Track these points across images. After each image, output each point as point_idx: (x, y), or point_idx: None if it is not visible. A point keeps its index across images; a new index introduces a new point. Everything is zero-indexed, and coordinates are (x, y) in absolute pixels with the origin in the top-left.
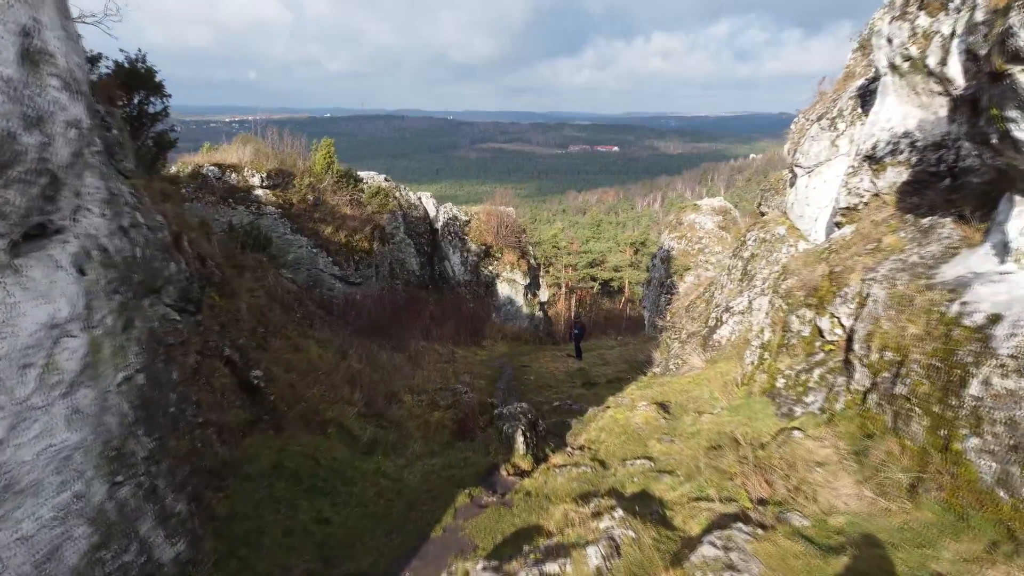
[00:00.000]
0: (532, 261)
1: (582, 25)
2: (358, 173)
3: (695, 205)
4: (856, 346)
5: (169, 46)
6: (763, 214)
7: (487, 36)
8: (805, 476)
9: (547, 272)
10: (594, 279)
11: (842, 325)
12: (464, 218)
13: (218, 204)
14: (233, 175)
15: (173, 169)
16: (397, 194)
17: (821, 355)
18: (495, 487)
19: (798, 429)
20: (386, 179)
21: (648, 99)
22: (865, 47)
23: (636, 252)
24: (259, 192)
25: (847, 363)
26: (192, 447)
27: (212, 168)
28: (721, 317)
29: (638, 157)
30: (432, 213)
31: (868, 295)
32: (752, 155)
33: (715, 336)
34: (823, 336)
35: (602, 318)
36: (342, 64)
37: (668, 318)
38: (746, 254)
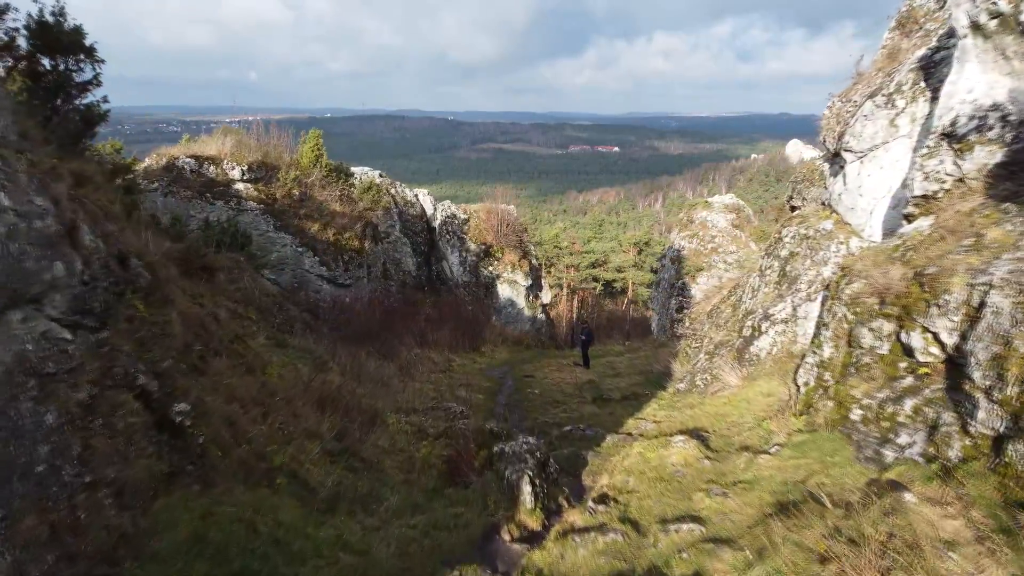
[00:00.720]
0: (534, 261)
1: (584, 25)
2: (350, 168)
3: (706, 202)
4: (974, 373)
5: (170, 47)
6: (794, 208)
7: (488, 36)
8: (936, 566)
9: (548, 273)
10: (596, 280)
11: (940, 343)
12: (463, 216)
13: (194, 199)
14: (211, 168)
15: (148, 161)
16: (392, 191)
17: (910, 380)
18: (495, 561)
19: (900, 485)
20: (380, 175)
21: (649, 99)
22: (904, 24)
23: (640, 252)
24: (239, 186)
25: (956, 393)
26: (69, 520)
27: (188, 160)
28: (759, 326)
29: (639, 157)
30: (429, 211)
31: (984, 305)
32: (753, 155)
33: (752, 348)
34: (912, 356)
35: (604, 320)
36: (343, 64)
37: (687, 324)
38: (783, 253)
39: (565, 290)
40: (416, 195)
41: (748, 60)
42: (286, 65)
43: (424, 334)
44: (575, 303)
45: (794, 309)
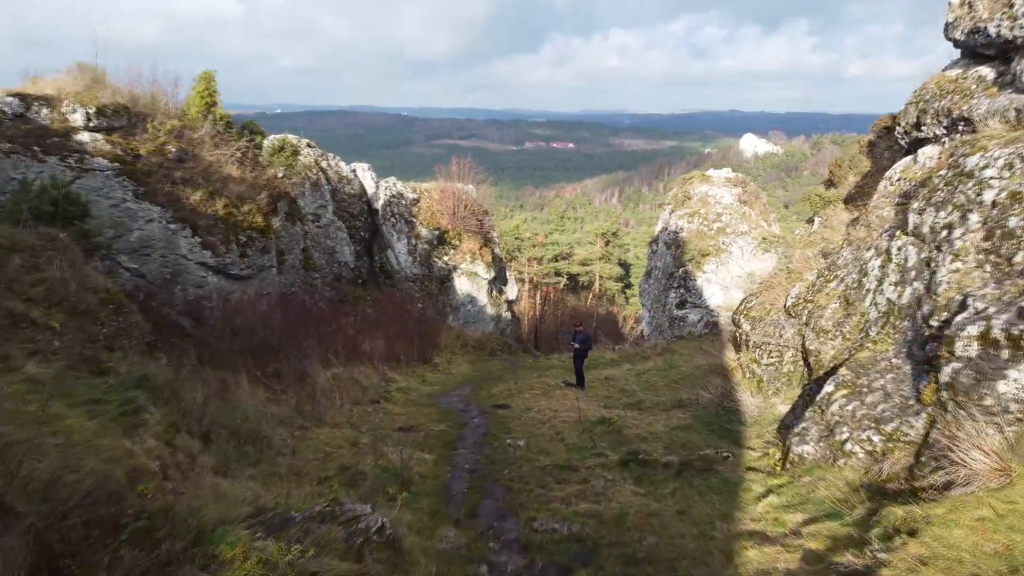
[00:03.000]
0: (497, 250)
1: (543, 20)
2: (260, 127)
3: (704, 175)
4: None
5: (117, 40)
6: (916, 143)
7: (446, 31)
8: None
9: (510, 265)
10: (559, 274)
11: None
12: (412, 196)
13: (14, 153)
14: (44, 110)
15: None
16: (324, 164)
17: None
18: None
19: None
20: (309, 144)
21: (603, 97)
22: None
23: (607, 244)
24: (84, 137)
25: None
26: None
27: (9, 100)
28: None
29: (594, 154)
30: (371, 189)
31: None
32: (708, 150)
33: (1002, 388)
34: None
35: (569, 317)
36: (296, 59)
37: (751, 329)
38: (986, 197)
39: (528, 285)
40: (354, 170)
41: (702, 57)
42: (237, 60)
43: (354, 343)
44: (538, 299)
45: None
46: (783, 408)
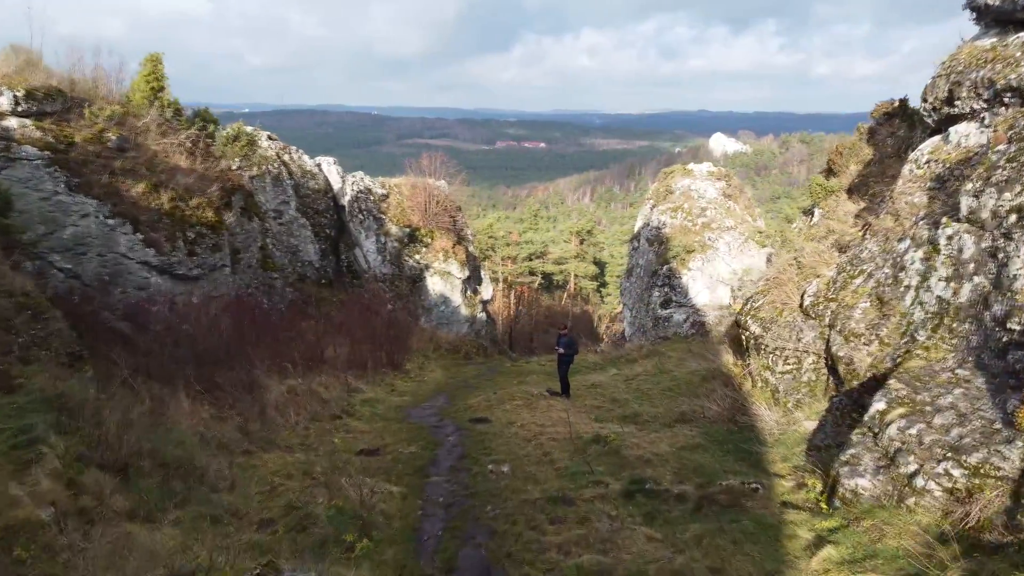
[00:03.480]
0: (471, 248)
1: (515, 20)
2: (212, 114)
3: (686, 169)
4: None
5: (79, 38)
6: (945, 120)
7: (417, 30)
8: None
9: (484, 266)
10: (533, 273)
11: None
12: (381, 191)
13: None
14: None
15: None
16: (287, 158)
17: None
18: None
19: None
20: (271, 137)
21: (574, 97)
22: None
23: (582, 242)
24: (10, 123)
25: None
26: None
27: None
28: None
29: (566, 153)
30: (336, 184)
31: None
32: (678, 149)
33: None
34: None
35: (543, 316)
36: (264, 58)
37: (762, 332)
38: None
39: (502, 284)
40: (319, 164)
41: (671, 57)
42: (204, 59)
43: (316, 350)
44: (512, 298)
45: None
46: (809, 425)
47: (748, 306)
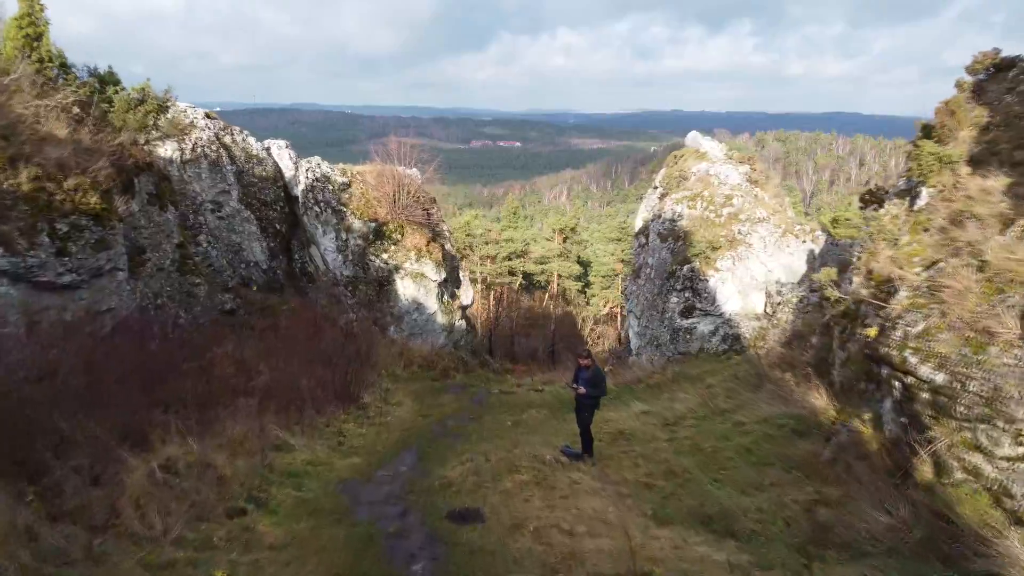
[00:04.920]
0: (448, 246)
1: (491, 19)
2: (116, 75)
3: (700, 152)
4: None
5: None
6: None
7: (392, 28)
8: None
9: (462, 266)
10: (513, 273)
11: None
12: (341, 180)
13: None
14: None
15: None
16: (228, 140)
17: None
18: None
19: None
20: (209, 115)
21: (549, 96)
22: None
23: (565, 240)
24: None
25: None
26: None
27: None
28: None
29: (540, 152)
30: (288, 172)
31: None
32: (653, 148)
33: None
34: None
35: (524, 319)
36: (236, 56)
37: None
38: None
39: (481, 285)
40: (267, 148)
41: (646, 57)
42: (174, 57)
43: (234, 385)
44: (492, 300)
45: None
46: None
47: (901, 333)
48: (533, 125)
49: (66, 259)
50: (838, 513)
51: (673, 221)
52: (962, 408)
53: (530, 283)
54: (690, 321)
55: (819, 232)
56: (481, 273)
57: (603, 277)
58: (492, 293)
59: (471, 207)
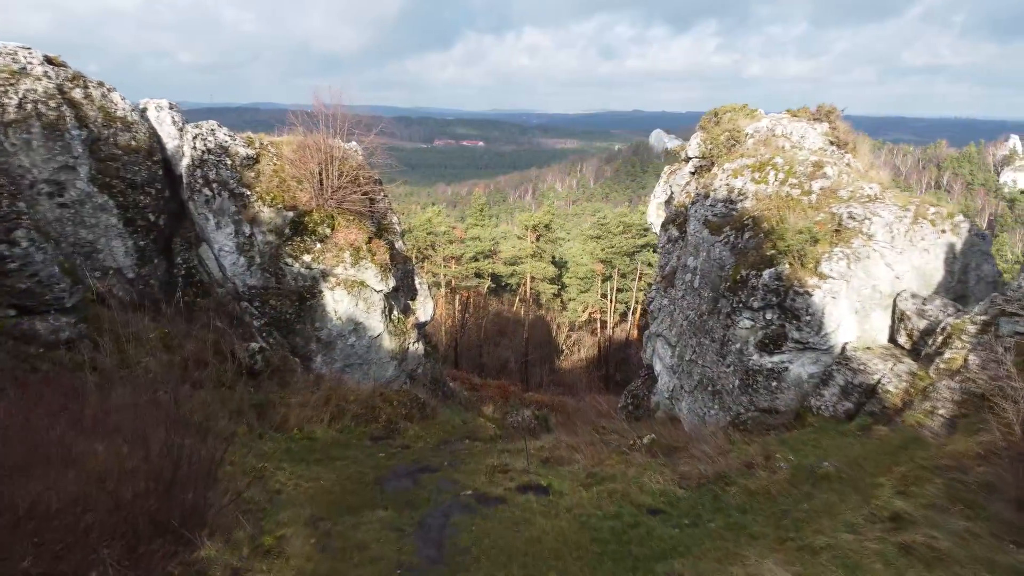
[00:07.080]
0: (399, 244)
1: (458, 17)
2: None
3: (751, 111)
4: None
5: (2, 34)
6: None
7: (358, 27)
8: None
9: (421, 267)
10: (480, 275)
11: None
12: (246, 152)
13: None
14: None
15: None
16: (78, 95)
17: None
18: None
19: None
20: (49, 60)
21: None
22: None
23: (539, 238)
24: None
25: None
26: None
27: None
28: None
29: (504, 151)
30: (171, 142)
31: None
32: (618, 146)
33: None
34: None
35: (493, 325)
36: (195, 55)
37: None
38: None
39: (445, 289)
40: (143, 110)
41: (610, 57)
42: (132, 56)
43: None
44: (457, 304)
45: None
46: None
47: None
48: (496, 125)
49: None
50: None
51: (731, 202)
52: None
53: (499, 286)
54: (776, 358)
55: (960, 218)
56: (445, 275)
57: (580, 279)
58: (457, 297)
59: (434, 205)
